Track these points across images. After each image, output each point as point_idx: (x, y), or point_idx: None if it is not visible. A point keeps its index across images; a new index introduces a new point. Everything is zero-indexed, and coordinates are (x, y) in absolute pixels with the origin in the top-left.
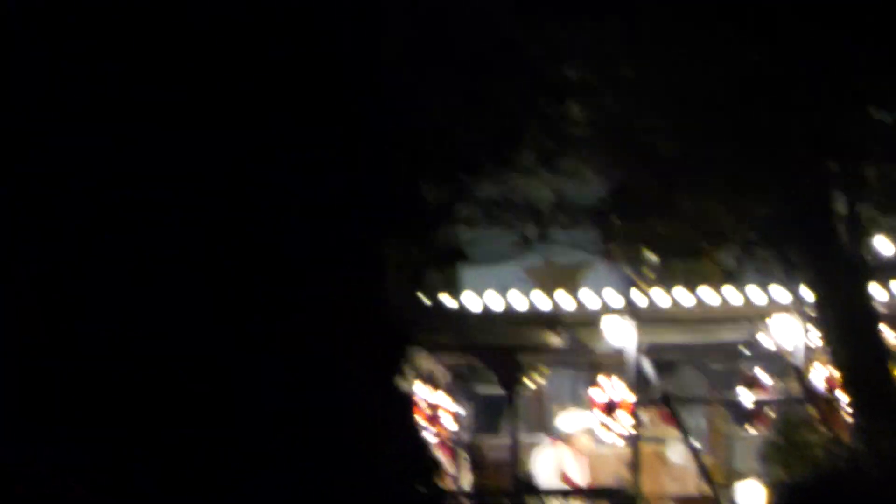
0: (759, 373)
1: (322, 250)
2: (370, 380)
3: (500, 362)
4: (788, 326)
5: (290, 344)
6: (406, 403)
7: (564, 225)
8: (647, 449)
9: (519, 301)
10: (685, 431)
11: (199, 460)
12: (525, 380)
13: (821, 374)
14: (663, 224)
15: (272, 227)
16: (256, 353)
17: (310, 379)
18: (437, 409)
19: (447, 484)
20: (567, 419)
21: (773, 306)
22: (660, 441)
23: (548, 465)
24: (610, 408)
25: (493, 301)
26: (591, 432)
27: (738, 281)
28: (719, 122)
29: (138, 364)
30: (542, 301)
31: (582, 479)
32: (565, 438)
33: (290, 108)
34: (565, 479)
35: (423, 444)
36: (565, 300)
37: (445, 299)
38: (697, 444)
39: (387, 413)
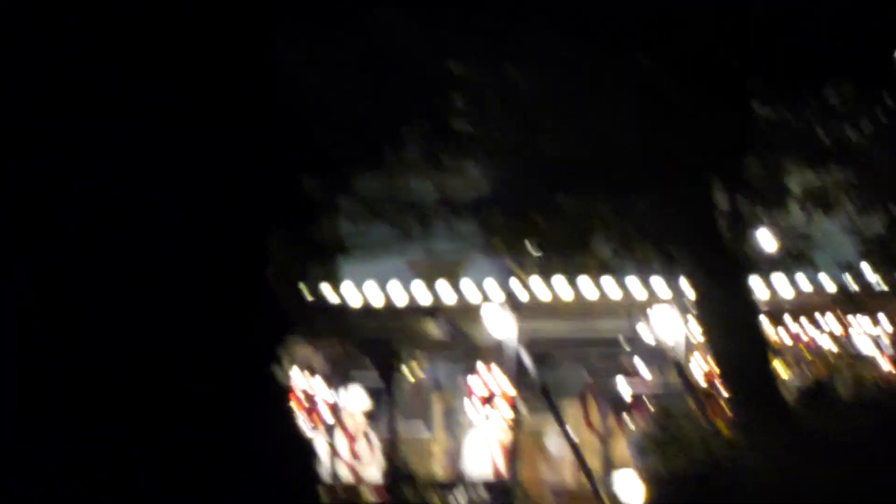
0: (639, 365)
1: (204, 241)
2: (248, 369)
3: (378, 352)
4: (668, 319)
5: (170, 333)
6: (284, 393)
7: (446, 218)
8: (525, 439)
9: (399, 293)
10: (563, 422)
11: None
12: (404, 370)
13: (701, 368)
14: (544, 218)
15: (155, 218)
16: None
17: (188, 368)
18: (315, 399)
19: (324, 472)
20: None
21: (653, 299)
22: (538, 431)
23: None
24: (489, 398)
25: (373, 293)
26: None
27: (618, 274)
28: (599, 120)
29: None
30: (422, 293)
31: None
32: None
33: (173, 103)
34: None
35: (300, 433)
36: (446, 292)
37: (326, 291)
38: (575, 436)
39: (264, 402)
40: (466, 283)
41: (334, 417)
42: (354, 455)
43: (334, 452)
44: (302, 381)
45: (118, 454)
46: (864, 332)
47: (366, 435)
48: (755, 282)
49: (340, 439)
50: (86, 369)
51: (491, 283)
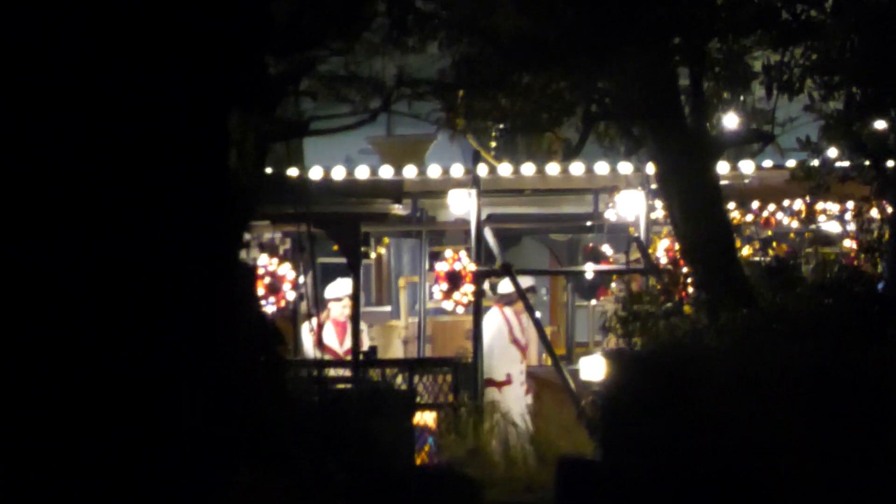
0: (603, 245)
1: (165, 121)
2: (211, 251)
3: (342, 231)
4: (632, 200)
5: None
6: (247, 274)
7: (408, 98)
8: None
9: (362, 172)
10: (526, 302)
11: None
12: (368, 250)
13: (664, 248)
14: (507, 98)
15: (115, 95)
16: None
17: (150, 252)
18: (278, 279)
19: (287, 353)
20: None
21: (617, 179)
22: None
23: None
24: (453, 278)
25: (337, 172)
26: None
27: (582, 155)
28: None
29: None
30: (386, 172)
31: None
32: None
33: None
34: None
35: (263, 315)
36: (409, 171)
37: (290, 171)
38: (538, 315)
39: (227, 284)
40: (432, 164)
41: (313, 304)
42: (340, 340)
43: (317, 339)
44: (267, 262)
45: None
46: (828, 213)
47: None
48: (719, 163)
49: (327, 329)
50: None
51: (456, 166)
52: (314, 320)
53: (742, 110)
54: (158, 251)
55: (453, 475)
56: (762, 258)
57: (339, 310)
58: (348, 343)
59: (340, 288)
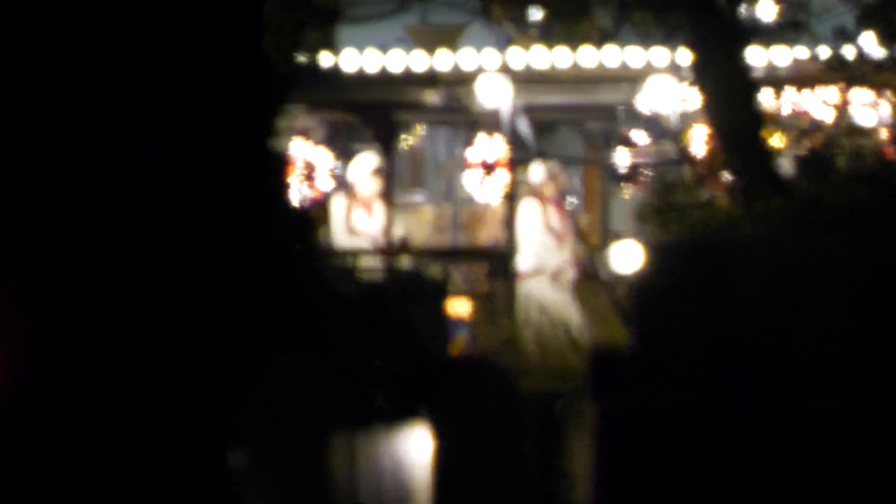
0: (637, 134)
1: (201, 11)
2: (245, 137)
3: (376, 119)
4: (667, 89)
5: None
6: (279, 163)
7: None
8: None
9: (397, 59)
10: (562, 191)
11: None
12: (401, 138)
13: (699, 137)
14: None
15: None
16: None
17: (189, 142)
18: (314, 166)
19: (322, 241)
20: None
21: (652, 68)
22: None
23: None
24: (487, 167)
25: (372, 60)
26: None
27: (617, 42)
28: None
29: None
30: (420, 60)
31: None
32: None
33: None
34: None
35: (298, 204)
36: (444, 59)
37: (324, 58)
38: (574, 203)
39: (263, 173)
40: (466, 52)
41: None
42: (369, 219)
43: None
44: (301, 150)
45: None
46: (864, 104)
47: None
48: (754, 52)
49: (355, 208)
50: None
51: (490, 52)
52: (342, 201)
53: None
54: (190, 137)
55: (487, 365)
56: (796, 147)
57: (366, 187)
58: (377, 222)
59: (365, 164)
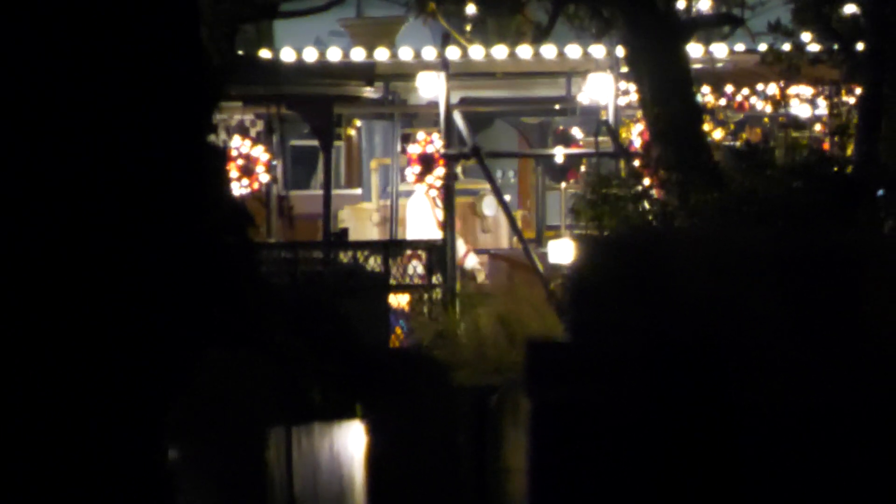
0: (573, 129)
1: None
2: (179, 133)
3: (314, 112)
4: (603, 83)
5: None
6: (216, 157)
7: None
8: (461, 202)
9: (335, 54)
10: (495, 185)
11: None
12: (340, 131)
13: (637, 132)
14: None
15: None
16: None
17: (119, 132)
18: (251, 161)
19: (257, 236)
20: None
21: (589, 62)
22: (474, 194)
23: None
24: (426, 161)
25: (309, 54)
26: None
27: (554, 37)
28: None
29: None
30: (358, 54)
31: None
32: None
33: None
34: None
35: (233, 197)
36: (381, 53)
37: (261, 53)
38: (508, 198)
39: (196, 166)
40: (404, 48)
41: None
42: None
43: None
44: (239, 144)
45: None
46: (801, 98)
47: None
48: (692, 46)
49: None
50: None
51: (428, 48)
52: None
53: None
54: (124, 131)
55: (422, 357)
56: (733, 141)
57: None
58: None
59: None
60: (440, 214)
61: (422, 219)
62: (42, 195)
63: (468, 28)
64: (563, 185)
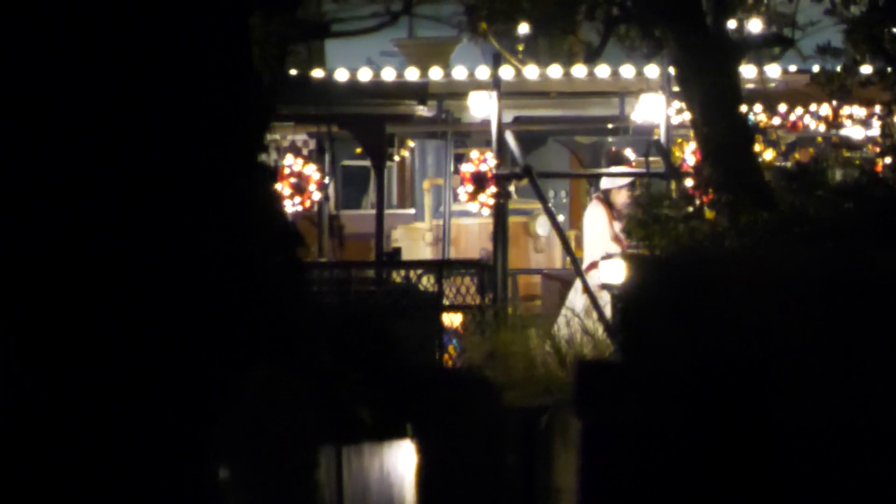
0: (626, 149)
1: (189, 22)
2: (230, 152)
3: (367, 133)
4: (655, 103)
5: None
6: (267, 175)
7: (431, 0)
8: (514, 221)
9: (388, 73)
10: (546, 205)
11: None
12: (392, 151)
13: (687, 152)
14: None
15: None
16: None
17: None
18: (303, 179)
19: (308, 255)
20: None
21: (643, 82)
22: (527, 214)
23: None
24: (478, 180)
25: (363, 74)
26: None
27: (608, 57)
28: None
29: None
30: (411, 74)
31: None
32: None
33: None
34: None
35: (283, 216)
36: (435, 73)
37: (314, 72)
38: (561, 219)
39: (247, 185)
40: (457, 68)
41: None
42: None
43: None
44: (291, 163)
45: None
46: (854, 118)
47: None
48: (744, 67)
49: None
50: None
51: (481, 68)
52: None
53: (764, 14)
54: (176, 151)
55: (472, 377)
56: (784, 162)
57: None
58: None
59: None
60: (617, 227)
61: (595, 231)
62: (93, 211)
63: (520, 48)
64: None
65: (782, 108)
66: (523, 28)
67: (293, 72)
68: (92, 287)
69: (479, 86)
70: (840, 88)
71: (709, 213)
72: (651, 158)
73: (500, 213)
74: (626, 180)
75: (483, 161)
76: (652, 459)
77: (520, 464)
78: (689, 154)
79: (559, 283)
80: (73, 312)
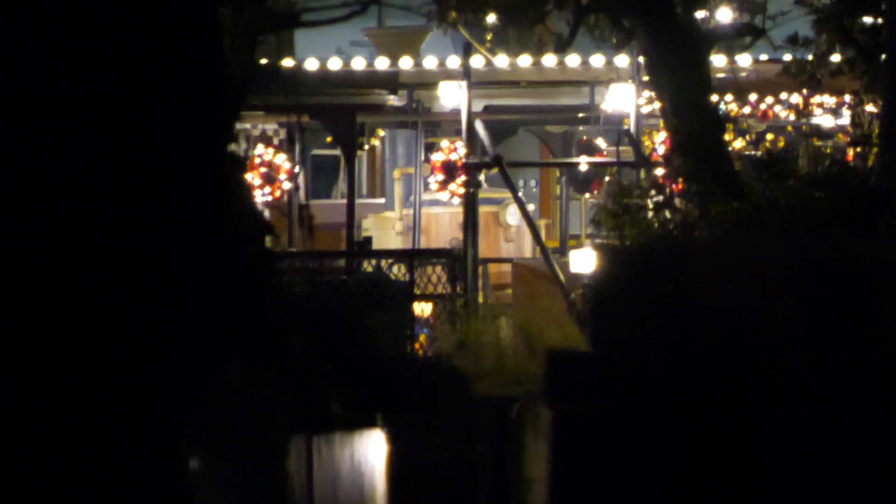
0: (597, 139)
1: (157, 11)
2: (200, 141)
3: (338, 122)
4: (625, 93)
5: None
6: (237, 165)
7: None
8: (484, 211)
9: (358, 63)
10: (516, 194)
11: None
12: (363, 140)
13: (660, 140)
14: None
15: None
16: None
17: (141, 141)
18: (273, 169)
19: (278, 246)
20: None
21: (613, 72)
22: (497, 203)
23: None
24: (449, 169)
25: (333, 63)
26: None
27: (578, 47)
28: None
29: None
30: (382, 63)
31: None
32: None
33: None
34: None
35: (253, 207)
36: (405, 63)
37: (284, 62)
38: (532, 208)
39: (217, 175)
40: (428, 58)
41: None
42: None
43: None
44: (261, 152)
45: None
46: (824, 107)
47: None
48: (715, 56)
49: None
50: None
51: (452, 58)
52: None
53: (734, 3)
54: (142, 140)
55: (443, 366)
56: (754, 151)
57: None
58: None
59: None
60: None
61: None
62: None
63: (488, 38)
64: (587, 195)
65: (753, 97)
66: (492, 18)
67: (263, 61)
68: (63, 280)
69: (450, 75)
70: (810, 78)
71: (678, 203)
72: (621, 148)
73: (471, 202)
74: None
75: (453, 150)
76: (623, 451)
77: (490, 454)
78: (658, 143)
79: (529, 273)
80: (43, 306)
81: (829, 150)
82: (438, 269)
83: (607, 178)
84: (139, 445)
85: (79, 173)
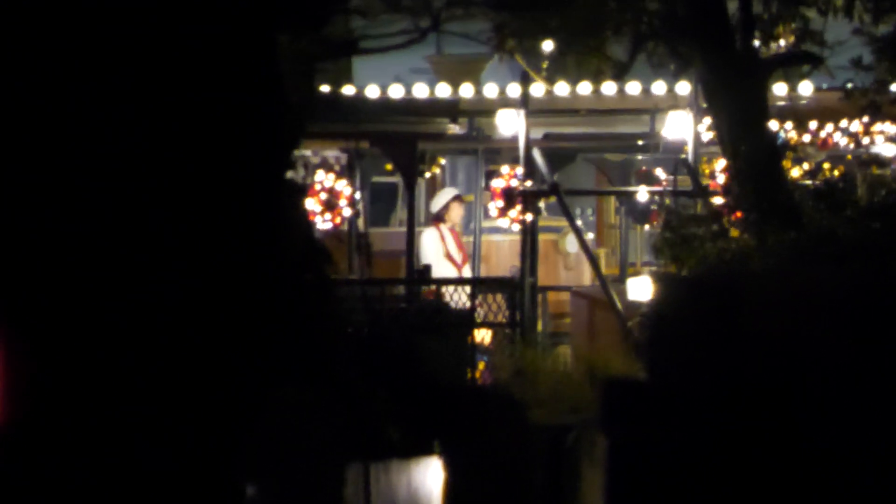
0: (656, 169)
1: (217, 41)
2: (259, 169)
3: (398, 150)
4: (684, 121)
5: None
6: (295, 192)
7: (457, 17)
8: (544, 239)
9: (420, 90)
10: (573, 223)
11: None
12: (423, 168)
13: (716, 170)
14: (556, 18)
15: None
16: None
17: (202, 168)
18: (334, 195)
19: (337, 273)
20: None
21: (674, 99)
22: (556, 231)
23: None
24: (509, 196)
25: (394, 90)
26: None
27: (638, 74)
28: None
29: None
30: (443, 90)
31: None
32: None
33: None
34: (448, 257)
35: (311, 234)
36: (466, 90)
37: (345, 89)
38: (590, 237)
39: (275, 202)
40: (488, 85)
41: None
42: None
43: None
44: (322, 178)
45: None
46: (885, 135)
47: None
48: (775, 84)
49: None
50: None
51: (512, 85)
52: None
53: (792, 31)
54: (206, 167)
55: (499, 395)
56: (812, 180)
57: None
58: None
59: (447, 194)
60: (451, 245)
61: (429, 254)
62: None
63: (544, 66)
64: (646, 224)
65: (812, 124)
66: (549, 46)
67: (323, 88)
68: (122, 303)
69: (509, 103)
70: (871, 104)
71: (734, 232)
72: (679, 177)
73: (529, 230)
74: (448, 198)
75: (514, 176)
76: (678, 479)
77: (546, 481)
78: (719, 172)
79: (588, 301)
80: (104, 328)
81: (889, 178)
82: (499, 297)
83: (665, 208)
84: (195, 472)
85: (144, 202)
